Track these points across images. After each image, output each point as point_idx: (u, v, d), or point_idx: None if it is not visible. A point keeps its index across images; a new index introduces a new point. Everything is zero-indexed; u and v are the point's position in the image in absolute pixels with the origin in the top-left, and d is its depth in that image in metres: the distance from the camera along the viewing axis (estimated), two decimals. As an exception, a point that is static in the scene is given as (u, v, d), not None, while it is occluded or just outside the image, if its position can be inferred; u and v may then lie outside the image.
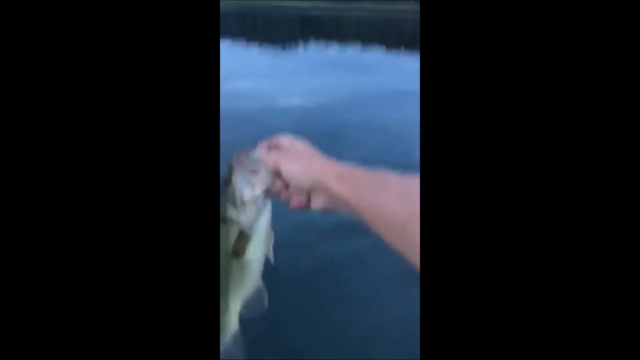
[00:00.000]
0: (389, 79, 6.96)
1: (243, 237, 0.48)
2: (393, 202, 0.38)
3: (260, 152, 0.47)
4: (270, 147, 0.48)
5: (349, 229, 2.19)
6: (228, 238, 0.48)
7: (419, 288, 0.35)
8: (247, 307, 0.51)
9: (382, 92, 5.71)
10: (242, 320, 0.53)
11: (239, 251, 0.49)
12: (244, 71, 7.02)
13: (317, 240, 2.20)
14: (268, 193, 0.48)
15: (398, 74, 7.45)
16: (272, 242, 0.50)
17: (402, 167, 0.44)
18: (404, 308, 1.71)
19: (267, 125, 3.92)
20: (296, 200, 0.47)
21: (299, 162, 0.45)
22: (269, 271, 0.51)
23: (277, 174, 0.47)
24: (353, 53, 10.58)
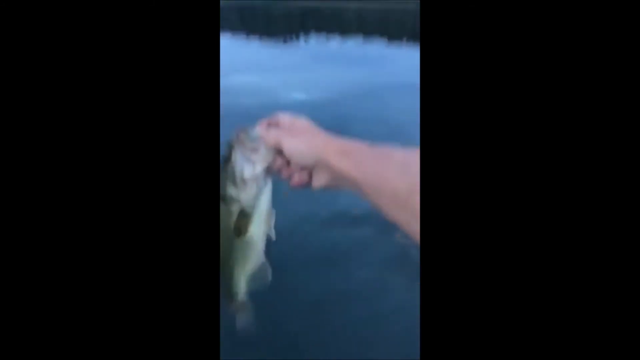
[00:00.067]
0: (391, 72, 6.91)
1: (244, 216, 0.49)
2: (395, 175, 0.39)
3: (260, 129, 0.47)
4: (269, 125, 0.48)
5: (350, 220, 2.21)
6: (229, 217, 0.49)
7: (418, 274, 0.35)
8: (251, 280, 0.52)
9: (384, 85, 5.67)
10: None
11: (240, 229, 0.49)
12: (244, 65, 6.98)
13: (319, 230, 2.21)
14: (268, 171, 0.48)
15: (400, 66, 7.39)
16: (273, 220, 0.51)
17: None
18: (404, 295, 1.72)
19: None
20: (297, 178, 0.47)
21: (301, 138, 0.45)
22: (271, 258, 0.52)
23: (278, 151, 0.47)
24: (354, 46, 10.51)
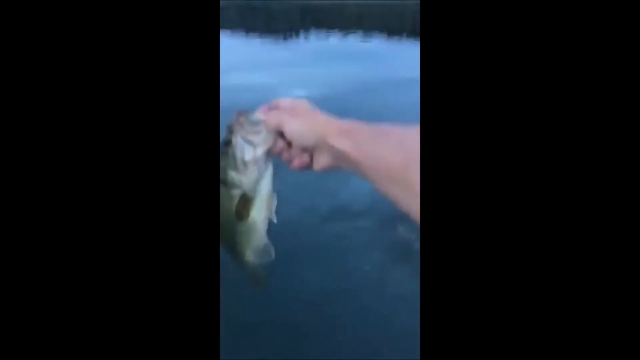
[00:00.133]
0: (391, 67, 6.89)
1: (246, 200, 0.49)
2: (391, 149, 0.39)
3: (261, 113, 0.47)
4: (270, 109, 0.48)
5: (350, 214, 2.21)
6: (231, 201, 0.49)
7: (417, 264, 0.35)
8: (256, 256, 0.52)
9: (385, 81, 5.66)
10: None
11: (242, 213, 0.49)
12: (244, 63, 6.97)
13: (320, 223, 2.22)
14: (269, 154, 0.48)
15: (400, 62, 7.37)
16: (274, 204, 0.51)
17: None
18: (404, 285, 1.72)
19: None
20: (298, 161, 0.47)
21: (302, 119, 0.45)
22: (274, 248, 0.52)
23: (279, 134, 0.47)
24: (354, 42, 10.48)
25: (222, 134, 0.47)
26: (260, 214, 0.50)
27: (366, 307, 1.66)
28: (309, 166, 0.47)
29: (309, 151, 0.47)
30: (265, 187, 0.49)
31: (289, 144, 0.47)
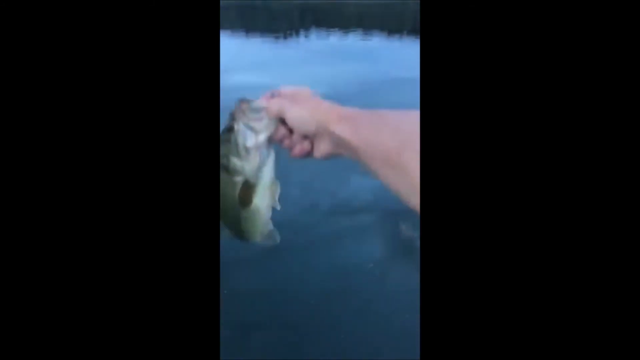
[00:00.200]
0: (391, 66, 6.89)
1: (248, 186, 0.49)
2: (388, 132, 0.39)
3: (263, 100, 0.48)
4: (272, 96, 0.48)
5: (351, 210, 2.22)
6: (234, 188, 0.49)
7: (417, 259, 0.35)
8: (262, 240, 0.53)
9: (385, 79, 5.66)
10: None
11: (245, 200, 0.50)
12: (245, 62, 6.97)
13: (321, 219, 2.23)
14: (271, 141, 0.48)
15: (400, 60, 7.37)
16: (277, 192, 0.51)
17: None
18: (405, 283, 1.72)
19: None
20: (299, 148, 0.47)
21: (303, 106, 0.45)
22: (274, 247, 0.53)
23: (280, 121, 0.47)
24: (355, 41, 10.47)
25: (222, 134, 0.48)
26: (263, 201, 0.51)
27: (367, 306, 1.66)
28: (309, 153, 0.48)
29: (310, 138, 0.47)
30: (267, 174, 0.49)
31: (291, 131, 0.47)
